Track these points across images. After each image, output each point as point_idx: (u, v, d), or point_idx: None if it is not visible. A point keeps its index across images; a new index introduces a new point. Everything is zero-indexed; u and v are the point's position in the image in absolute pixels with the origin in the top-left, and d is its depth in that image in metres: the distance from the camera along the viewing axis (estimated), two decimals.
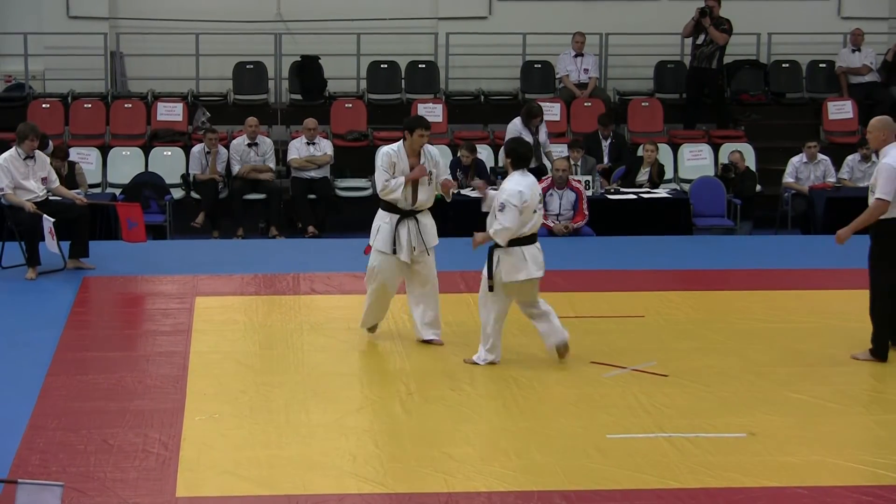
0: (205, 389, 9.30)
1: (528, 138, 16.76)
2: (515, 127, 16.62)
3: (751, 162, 18.27)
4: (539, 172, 16.45)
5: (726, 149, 18.48)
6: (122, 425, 8.46)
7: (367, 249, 10.77)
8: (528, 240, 9.94)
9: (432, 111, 19.22)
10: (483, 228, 10.09)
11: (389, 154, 10.55)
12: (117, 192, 17.10)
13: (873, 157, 17.67)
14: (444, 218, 15.82)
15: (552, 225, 15.30)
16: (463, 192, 15.87)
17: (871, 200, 10.25)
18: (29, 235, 13.01)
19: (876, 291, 10.32)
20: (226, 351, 10.36)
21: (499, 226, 9.81)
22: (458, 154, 17.11)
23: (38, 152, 13.27)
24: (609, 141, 18.00)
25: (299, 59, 19.69)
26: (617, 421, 8.68)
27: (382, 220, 10.59)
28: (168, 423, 8.51)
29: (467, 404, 9.13)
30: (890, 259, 10.22)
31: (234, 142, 17.67)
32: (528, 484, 7.57)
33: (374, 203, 17.04)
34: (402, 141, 10.65)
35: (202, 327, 11.09)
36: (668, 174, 18.05)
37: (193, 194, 17.58)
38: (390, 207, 10.56)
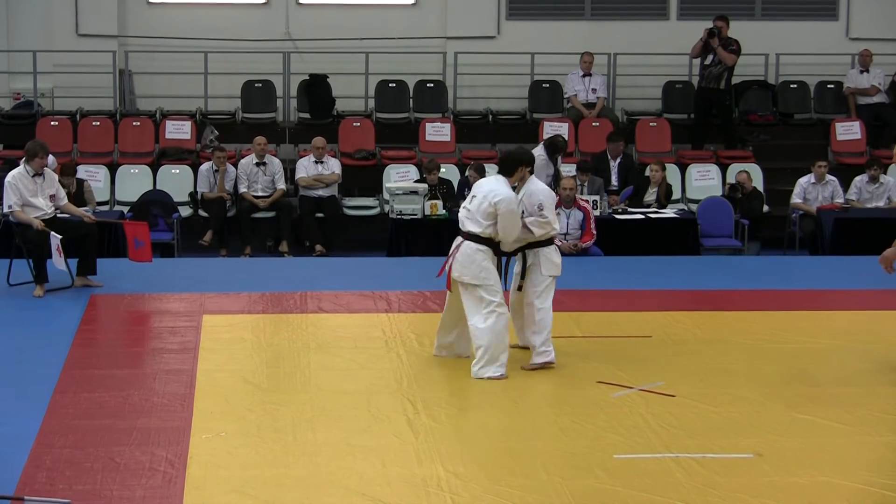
0: (212, 408, 9.29)
1: (550, 169, 16.85)
2: (540, 159, 16.69)
3: (759, 182, 18.28)
4: None
5: (734, 169, 18.52)
6: (128, 443, 8.45)
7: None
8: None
9: (440, 130, 19.28)
10: None
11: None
12: (125, 209, 17.15)
13: (881, 178, 17.70)
14: (449, 237, 15.97)
15: (560, 244, 15.30)
16: None
17: None
18: (37, 253, 13.04)
19: None
20: (233, 369, 10.35)
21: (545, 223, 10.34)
22: (466, 174, 17.14)
23: (46, 170, 13.31)
24: (618, 161, 17.99)
25: (308, 77, 19.75)
26: (624, 441, 8.66)
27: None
28: (175, 442, 8.50)
29: (474, 423, 9.12)
30: None
31: (242, 161, 17.71)
32: (534, 503, 7.57)
33: (381, 222, 17.26)
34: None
35: (209, 345, 11.09)
36: (676, 194, 18.06)
37: (201, 212, 17.62)
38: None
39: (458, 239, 10.29)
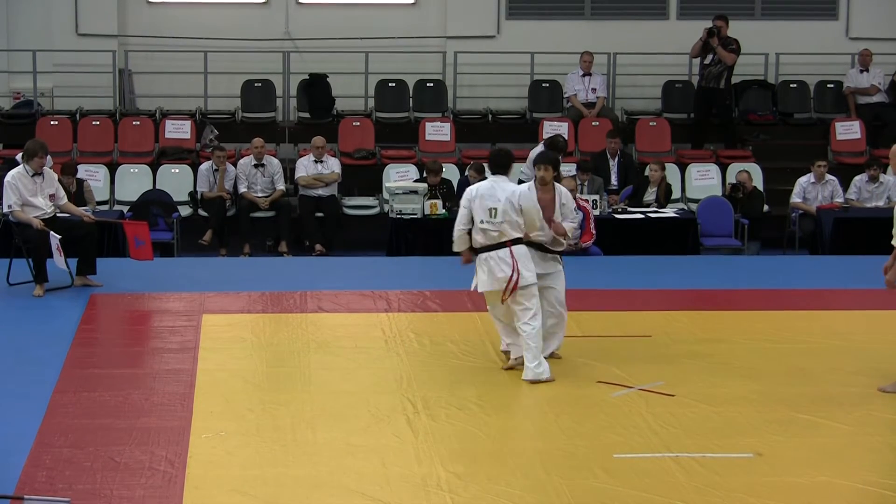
0: (211, 407, 9.30)
1: None
2: None
3: (758, 182, 18.27)
4: None
5: (734, 169, 18.50)
6: (128, 443, 8.46)
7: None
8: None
9: (440, 130, 19.27)
10: None
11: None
12: (125, 209, 17.14)
13: (881, 178, 17.69)
14: (449, 236, 15.97)
15: None
16: None
17: None
18: (37, 252, 13.03)
19: None
20: (232, 369, 10.36)
21: None
22: (466, 173, 17.13)
23: (46, 169, 13.30)
24: (617, 160, 17.99)
25: (307, 77, 19.74)
26: (624, 440, 8.66)
27: None
28: (174, 441, 8.51)
29: (474, 423, 9.11)
30: None
31: (241, 162, 17.70)
32: (534, 503, 7.56)
33: (381, 221, 17.26)
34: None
35: (209, 345, 11.09)
36: (676, 194, 18.05)
37: (201, 212, 17.61)
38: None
39: (496, 253, 10.13)
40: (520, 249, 10.14)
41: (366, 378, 10.15)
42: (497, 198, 10.10)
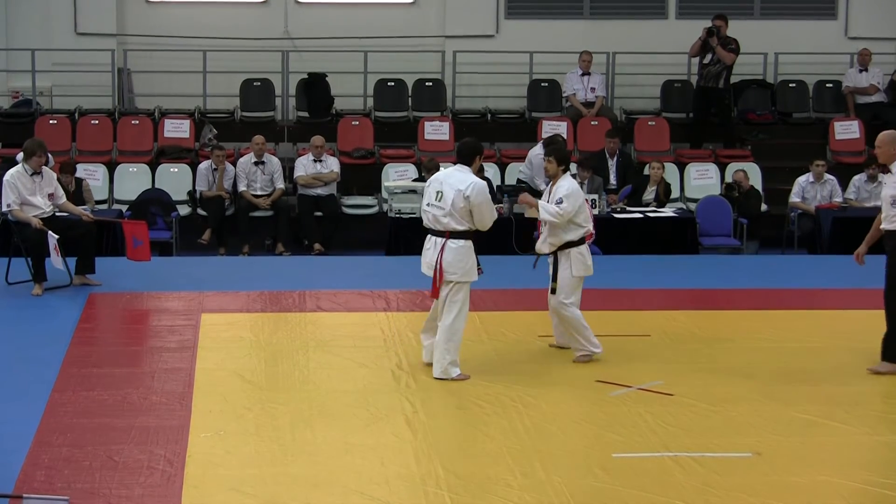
0: (210, 406, 9.29)
1: None
2: (539, 158, 16.67)
3: (757, 181, 18.28)
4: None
5: (733, 168, 18.50)
6: (127, 442, 8.45)
7: None
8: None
9: (439, 129, 19.27)
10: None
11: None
12: (124, 208, 17.13)
13: (880, 177, 17.68)
14: None
15: None
16: None
17: (885, 213, 10.25)
18: (35, 251, 13.03)
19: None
20: (231, 368, 10.35)
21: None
22: None
23: (44, 168, 13.30)
24: (616, 159, 17.99)
25: (306, 76, 19.74)
26: (623, 440, 8.66)
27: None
28: (173, 440, 8.50)
29: (473, 423, 9.11)
30: None
31: (240, 160, 17.70)
32: (533, 503, 7.55)
33: (380, 220, 17.25)
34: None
35: (208, 344, 11.09)
36: (675, 193, 18.05)
37: (200, 211, 17.60)
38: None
39: (434, 239, 10.20)
40: (457, 243, 10.10)
41: (364, 377, 10.15)
42: (449, 184, 10.10)
